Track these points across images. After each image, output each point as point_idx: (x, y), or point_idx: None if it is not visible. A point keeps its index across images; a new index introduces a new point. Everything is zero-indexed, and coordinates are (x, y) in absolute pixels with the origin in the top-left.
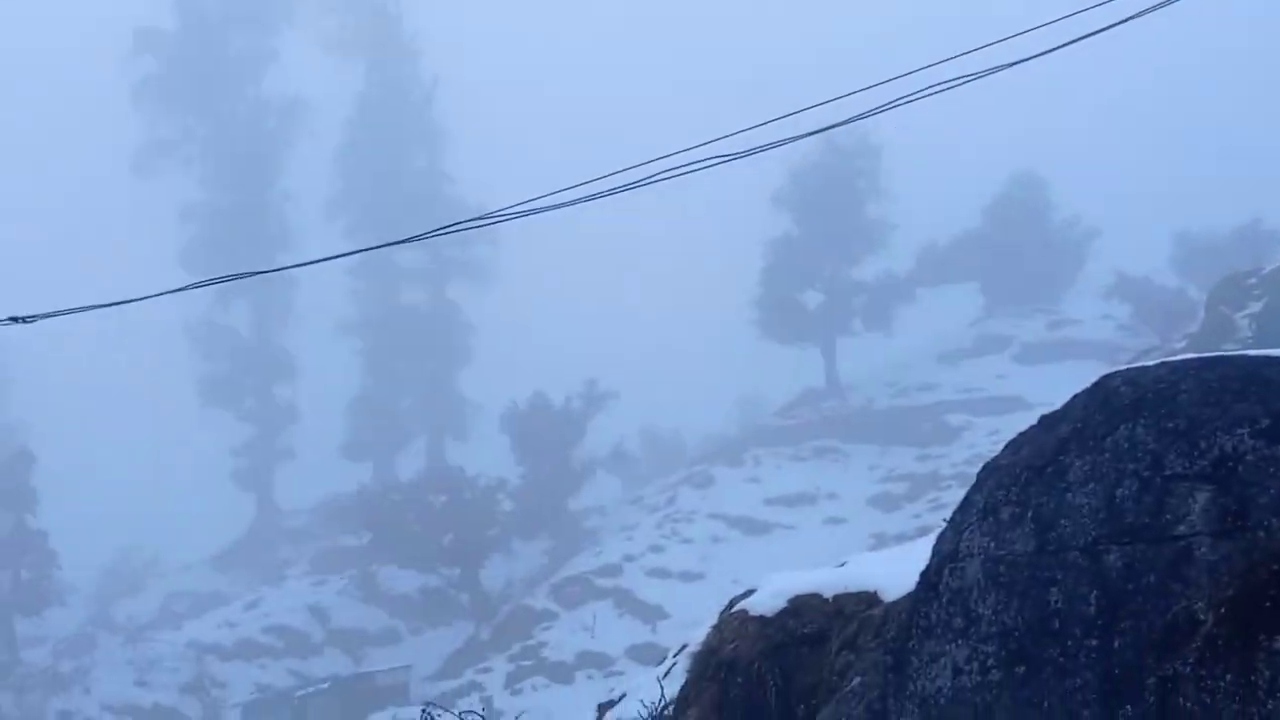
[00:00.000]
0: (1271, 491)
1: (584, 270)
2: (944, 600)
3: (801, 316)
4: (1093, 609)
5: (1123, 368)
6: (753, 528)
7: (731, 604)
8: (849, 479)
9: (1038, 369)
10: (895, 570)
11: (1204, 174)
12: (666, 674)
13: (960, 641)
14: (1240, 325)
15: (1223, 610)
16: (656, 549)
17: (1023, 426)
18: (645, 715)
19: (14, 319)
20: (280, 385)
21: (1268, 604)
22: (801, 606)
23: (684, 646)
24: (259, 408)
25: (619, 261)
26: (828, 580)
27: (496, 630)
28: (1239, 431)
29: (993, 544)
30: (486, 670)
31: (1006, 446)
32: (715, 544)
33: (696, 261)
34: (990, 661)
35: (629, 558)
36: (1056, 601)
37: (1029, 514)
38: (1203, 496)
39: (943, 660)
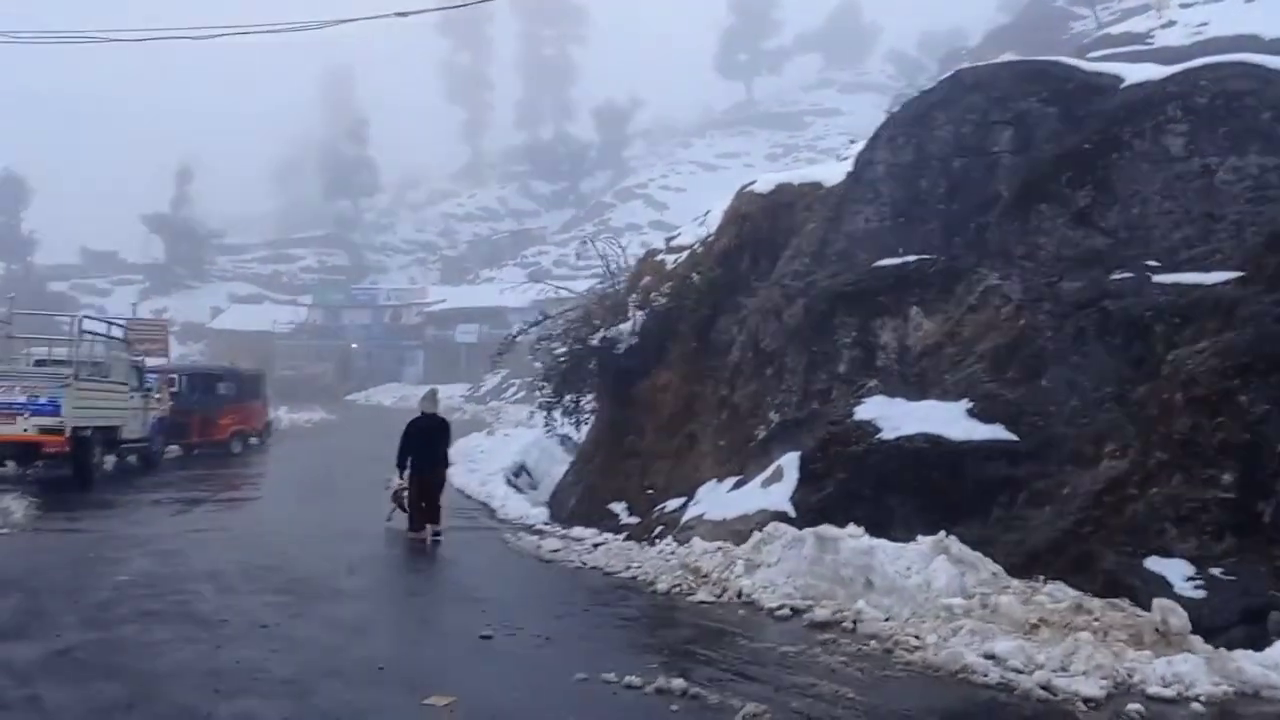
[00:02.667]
0: (1045, 128)
1: None
2: (863, 185)
3: None
4: (943, 190)
5: (967, 65)
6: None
7: (743, 188)
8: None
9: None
10: (827, 173)
11: None
12: (702, 222)
13: (870, 206)
14: None
15: (1015, 190)
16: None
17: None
18: (695, 241)
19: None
20: None
21: (1040, 188)
22: (782, 188)
23: (708, 211)
24: None
25: None
26: (792, 177)
27: None
28: (1030, 99)
29: (891, 156)
30: None
31: (900, 108)
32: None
33: None
34: (885, 215)
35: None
36: (924, 187)
37: (912, 142)
38: (1008, 132)
39: (860, 215)
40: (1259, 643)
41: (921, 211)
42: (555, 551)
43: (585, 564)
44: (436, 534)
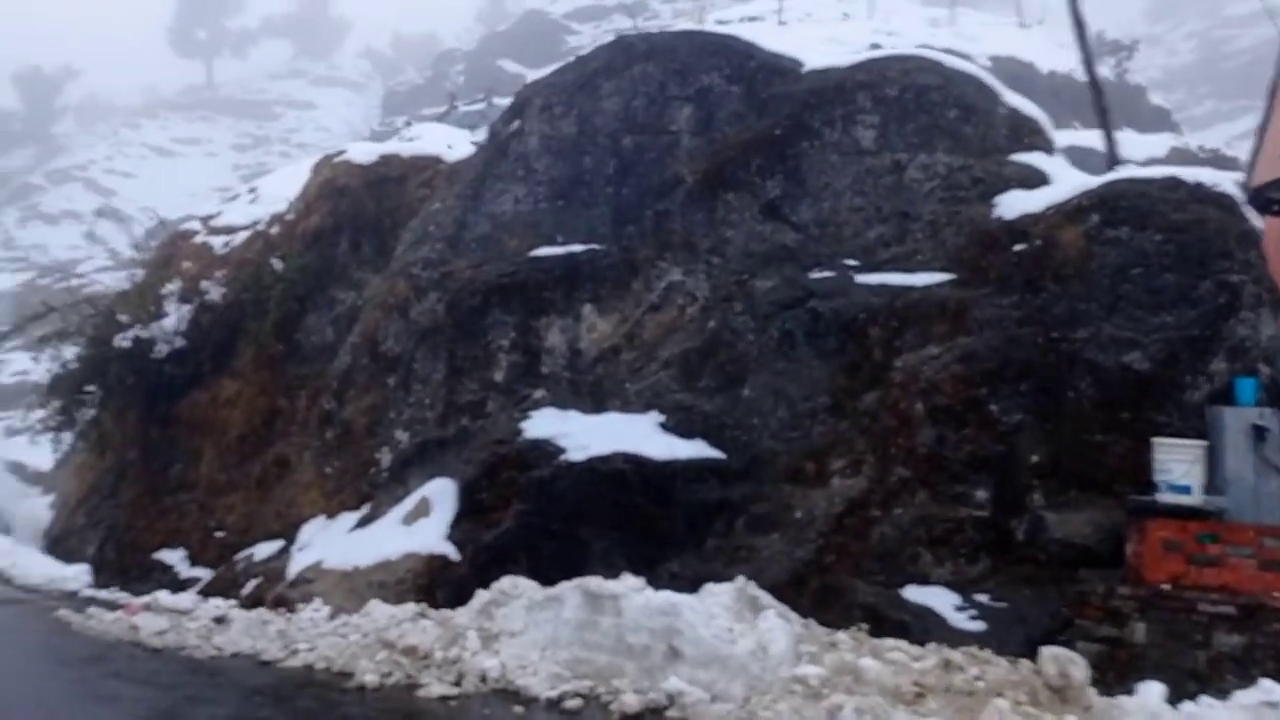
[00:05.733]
0: (729, 109)
1: None
2: (512, 159)
3: None
4: (611, 170)
5: (632, 31)
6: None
7: (332, 157)
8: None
9: None
10: (436, 144)
11: None
12: (254, 199)
13: (521, 185)
14: None
15: (699, 175)
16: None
17: None
18: (261, 219)
19: None
20: None
21: (727, 175)
22: (390, 159)
23: (254, 188)
24: None
25: None
26: (400, 147)
27: None
28: (713, 75)
29: (547, 128)
30: None
31: (551, 73)
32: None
33: None
34: (540, 197)
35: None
36: (588, 164)
37: (574, 112)
38: (688, 110)
39: (508, 195)
40: None
41: (586, 194)
42: (161, 634)
43: (222, 650)
44: None
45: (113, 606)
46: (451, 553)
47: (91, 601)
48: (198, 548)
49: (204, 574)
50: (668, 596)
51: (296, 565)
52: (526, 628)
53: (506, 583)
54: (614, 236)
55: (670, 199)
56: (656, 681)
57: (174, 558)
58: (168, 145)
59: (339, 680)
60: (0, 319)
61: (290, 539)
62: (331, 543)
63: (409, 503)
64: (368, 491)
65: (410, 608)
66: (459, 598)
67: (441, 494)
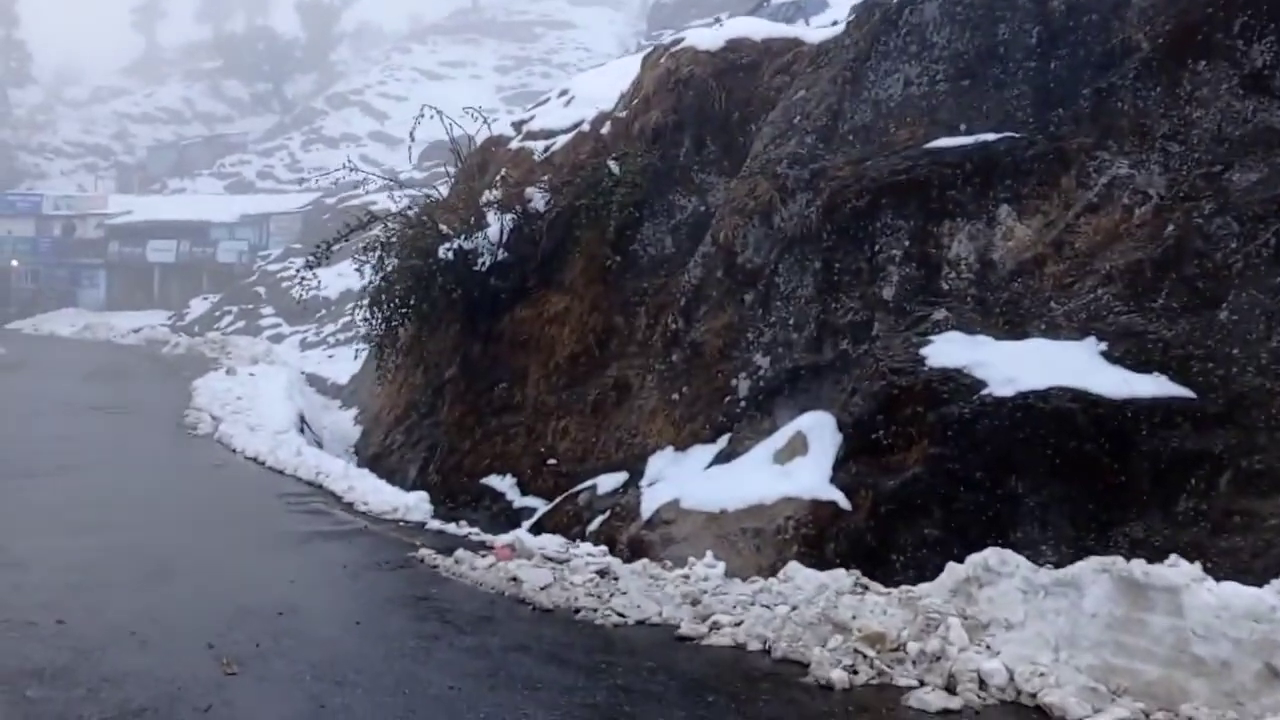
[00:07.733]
0: None
1: None
2: (903, 32)
3: None
4: (1034, 40)
5: None
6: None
7: (670, 46)
8: None
9: None
10: (799, 28)
11: None
12: (569, 101)
13: (914, 62)
14: None
15: (1159, 40)
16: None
17: None
18: (583, 119)
19: None
20: None
21: (1196, 39)
22: (738, 44)
23: (564, 91)
24: None
25: None
26: (750, 30)
27: None
28: None
29: None
30: None
31: None
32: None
33: None
34: (939, 76)
35: None
36: (1003, 34)
37: None
38: None
39: (897, 76)
40: None
41: (1000, 71)
42: (546, 589)
43: (625, 616)
44: None
45: (469, 543)
46: (840, 499)
47: (442, 535)
48: (528, 475)
49: (537, 504)
50: (1258, 594)
51: (650, 503)
52: (1027, 618)
53: (992, 556)
54: (1037, 122)
55: (1116, 73)
56: (1248, 711)
57: (503, 485)
58: (435, 69)
59: (790, 672)
60: (291, 237)
61: (635, 472)
62: (687, 479)
63: (779, 438)
64: (724, 422)
65: (842, 576)
66: (854, 553)
67: (818, 429)
